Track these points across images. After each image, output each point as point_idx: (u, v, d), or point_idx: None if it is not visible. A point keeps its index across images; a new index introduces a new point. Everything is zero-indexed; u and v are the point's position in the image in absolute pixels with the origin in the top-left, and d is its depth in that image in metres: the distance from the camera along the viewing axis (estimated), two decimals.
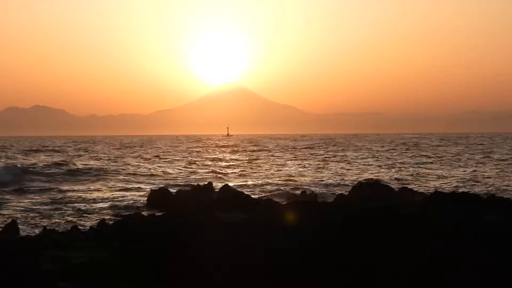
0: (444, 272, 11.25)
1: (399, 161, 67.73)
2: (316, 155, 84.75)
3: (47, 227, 18.55)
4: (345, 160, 69.80)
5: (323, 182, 41.55)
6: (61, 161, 61.75)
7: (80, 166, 55.06)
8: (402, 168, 55.57)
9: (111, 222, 17.47)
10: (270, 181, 43.55)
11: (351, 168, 57.61)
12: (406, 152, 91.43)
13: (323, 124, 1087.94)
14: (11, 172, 45.56)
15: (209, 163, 68.98)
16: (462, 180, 43.37)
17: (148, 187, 36.92)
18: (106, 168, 54.47)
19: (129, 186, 40.51)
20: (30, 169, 50.47)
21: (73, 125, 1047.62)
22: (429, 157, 74.44)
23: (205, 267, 11.37)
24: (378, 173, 50.96)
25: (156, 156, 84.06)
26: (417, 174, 48.74)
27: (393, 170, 54.03)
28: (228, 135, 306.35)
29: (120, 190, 38.08)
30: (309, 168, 56.79)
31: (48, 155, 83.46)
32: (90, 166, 56.39)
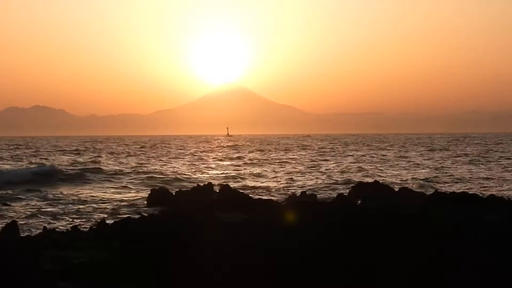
0: (444, 272, 11.25)
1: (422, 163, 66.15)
2: (336, 154, 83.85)
3: (47, 227, 18.54)
4: (381, 161, 68.60)
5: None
6: (85, 162, 61.05)
7: (104, 168, 54.13)
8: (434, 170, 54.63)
9: (111, 222, 17.46)
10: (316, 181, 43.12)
11: (382, 169, 56.58)
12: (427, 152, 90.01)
13: (323, 124, 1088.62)
14: (40, 172, 45.35)
15: (230, 163, 68.12)
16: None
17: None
18: (124, 169, 53.53)
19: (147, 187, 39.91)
20: (57, 169, 49.77)
21: (73, 125, 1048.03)
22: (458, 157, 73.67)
23: (205, 267, 11.38)
24: (414, 173, 50.07)
25: (172, 157, 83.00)
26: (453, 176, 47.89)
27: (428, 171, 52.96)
28: (228, 135, 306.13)
29: (123, 190, 38.06)
30: (348, 169, 55.95)
31: (69, 156, 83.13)
32: (114, 167, 55.45)
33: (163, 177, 47.13)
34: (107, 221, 18.41)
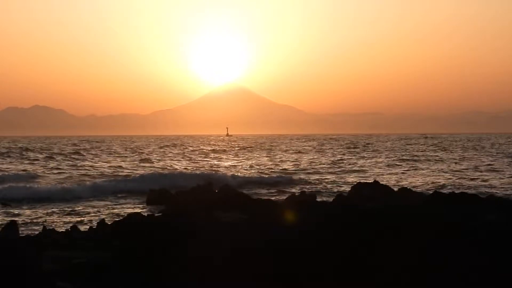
0: (443, 272, 11.26)
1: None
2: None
3: (47, 227, 18.56)
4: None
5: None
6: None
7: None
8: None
9: (111, 222, 17.48)
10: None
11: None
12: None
13: (322, 124, 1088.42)
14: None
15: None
16: None
17: None
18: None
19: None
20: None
21: (73, 125, 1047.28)
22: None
23: (205, 267, 11.39)
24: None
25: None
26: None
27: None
28: (227, 135, 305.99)
29: (124, 189, 38.01)
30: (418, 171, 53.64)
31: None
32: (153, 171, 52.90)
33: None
34: (107, 221, 18.44)
